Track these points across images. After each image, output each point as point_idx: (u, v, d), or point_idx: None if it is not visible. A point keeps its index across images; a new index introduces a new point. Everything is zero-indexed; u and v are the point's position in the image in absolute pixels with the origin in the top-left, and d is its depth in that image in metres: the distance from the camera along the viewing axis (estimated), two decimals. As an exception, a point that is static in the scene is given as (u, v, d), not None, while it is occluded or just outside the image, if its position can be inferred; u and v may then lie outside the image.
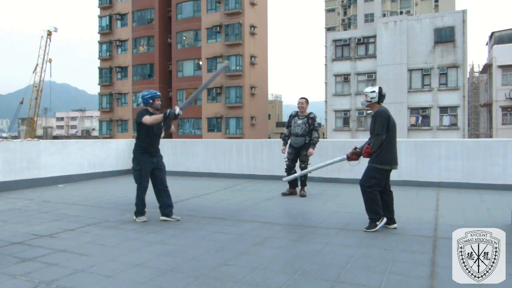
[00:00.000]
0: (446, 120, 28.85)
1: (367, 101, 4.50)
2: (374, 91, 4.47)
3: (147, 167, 4.85)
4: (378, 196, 4.41)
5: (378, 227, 4.36)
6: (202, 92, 38.29)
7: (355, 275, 3.03)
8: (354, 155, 4.67)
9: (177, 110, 4.58)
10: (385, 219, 4.41)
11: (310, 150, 6.60)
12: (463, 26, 28.31)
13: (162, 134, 4.99)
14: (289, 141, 6.78)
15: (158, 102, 4.87)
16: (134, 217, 4.97)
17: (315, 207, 5.87)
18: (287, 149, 6.78)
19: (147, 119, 4.64)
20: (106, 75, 43.68)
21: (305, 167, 6.70)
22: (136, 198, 4.93)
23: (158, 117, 4.63)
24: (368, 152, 4.44)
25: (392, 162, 4.43)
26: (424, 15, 32.18)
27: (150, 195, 4.99)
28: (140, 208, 4.94)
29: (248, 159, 9.46)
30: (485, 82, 36.34)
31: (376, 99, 4.46)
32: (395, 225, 4.53)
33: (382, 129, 4.31)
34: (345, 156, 4.77)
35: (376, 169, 4.37)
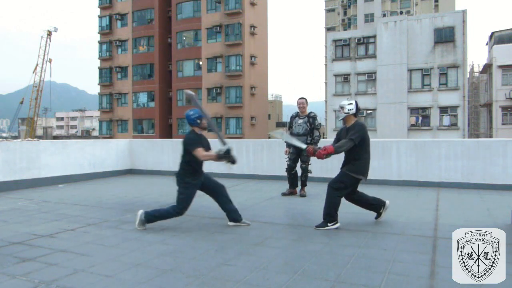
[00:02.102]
0: (446, 120, 28.85)
1: (345, 113, 4.59)
2: (351, 103, 4.60)
3: (194, 191, 4.58)
4: (339, 201, 4.52)
5: (328, 228, 4.46)
6: (202, 93, 38.33)
7: (355, 275, 3.03)
8: (311, 148, 4.59)
9: (226, 146, 4.51)
10: (338, 224, 4.52)
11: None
12: (463, 26, 28.31)
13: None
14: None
15: (204, 121, 4.59)
16: (138, 224, 4.52)
17: (315, 207, 5.86)
18: (289, 150, 6.79)
19: (202, 154, 4.41)
20: (106, 75, 43.68)
21: (306, 168, 6.71)
22: (163, 214, 4.52)
23: (212, 156, 4.46)
24: (329, 152, 4.39)
25: (365, 172, 4.58)
26: (424, 15, 32.18)
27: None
28: (153, 221, 4.56)
29: (248, 159, 9.46)
30: (485, 82, 36.34)
31: (354, 111, 4.59)
32: (387, 203, 4.79)
33: (357, 138, 4.41)
34: (305, 146, 4.77)
35: (350, 176, 4.50)
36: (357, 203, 4.78)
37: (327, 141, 8.96)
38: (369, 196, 4.77)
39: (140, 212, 4.54)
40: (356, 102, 4.65)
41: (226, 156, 4.49)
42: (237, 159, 4.63)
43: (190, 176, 4.53)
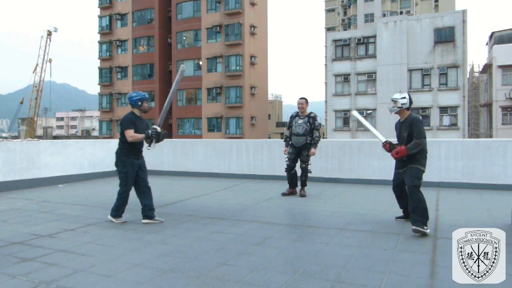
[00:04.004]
0: (446, 120, 28.85)
1: (398, 107, 4.51)
2: (405, 97, 4.50)
3: (132, 170, 4.85)
4: (423, 197, 4.33)
5: (424, 231, 4.13)
6: (202, 92, 38.37)
7: (355, 275, 3.03)
8: (388, 145, 4.67)
9: (158, 128, 4.78)
10: (428, 229, 4.24)
11: (312, 150, 6.61)
12: (463, 26, 28.31)
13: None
14: (290, 142, 6.79)
15: (146, 105, 4.89)
16: (112, 218, 4.91)
17: (315, 207, 5.87)
18: (288, 150, 6.79)
19: (130, 134, 4.71)
20: (106, 75, 43.67)
21: (306, 168, 6.71)
22: (118, 201, 4.87)
23: (140, 137, 4.73)
24: (402, 152, 4.39)
25: (426, 163, 4.50)
26: (424, 15, 32.16)
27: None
28: (121, 211, 4.90)
29: (248, 159, 9.46)
30: (485, 82, 36.34)
31: (408, 105, 4.50)
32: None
33: (423, 133, 4.37)
34: (384, 140, 4.76)
35: (421, 171, 4.41)
36: (401, 196, 4.71)
37: (327, 141, 8.98)
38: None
39: (109, 217, 4.94)
40: (409, 95, 4.55)
41: (154, 136, 4.74)
42: (162, 137, 4.85)
43: (128, 155, 4.81)
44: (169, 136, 39.55)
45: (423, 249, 3.70)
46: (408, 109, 4.54)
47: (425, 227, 4.16)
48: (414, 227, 4.16)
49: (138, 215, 5.28)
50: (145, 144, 4.90)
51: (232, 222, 4.87)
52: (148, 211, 4.87)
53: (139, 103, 4.84)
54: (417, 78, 29.59)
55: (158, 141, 4.84)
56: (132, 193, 4.97)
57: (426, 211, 4.24)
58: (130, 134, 4.71)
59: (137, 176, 4.92)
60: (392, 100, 4.57)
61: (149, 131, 4.74)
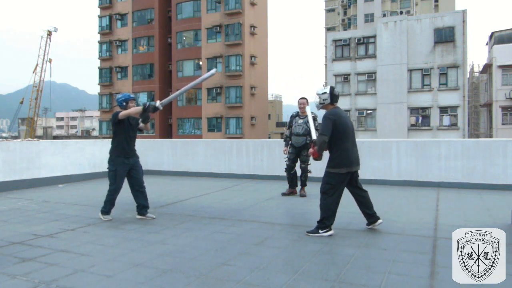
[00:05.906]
0: (446, 120, 28.85)
1: (320, 103, 4.33)
2: (325, 93, 4.28)
3: (122, 169, 4.96)
4: (331, 204, 4.21)
5: (320, 235, 4.16)
6: (202, 92, 38.32)
7: (355, 275, 3.03)
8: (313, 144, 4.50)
9: (157, 103, 4.81)
10: (331, 232, 4.20)
11: (311, 150, 6.59)
12: (463, 26, 28.31)
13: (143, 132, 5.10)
14: (290, 142, 6.79)
15: (132, 105, 5.02)
16: (100, 215, 5.06)
17: (315, 207, 5.83)
18: (288, 150, 6.79)
19: (123, 113, 4.83)
20: (106, 75, 43.69)
21: (306, 168, 6.71)
22: (106, 197, 5.02)
23: (136, 109, 4.83)
24: (314, 154, 4.34)
25: (346, 163, 4.19)
26: (424, 15, 32.17)
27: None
28: (108, 208, 5.03)
29: (248, 159, 9.46)
30: (485, 82, 36.35)
31: (329, 100, 4.28)
32: (379, 221, 4.39)
33: (326, 130, 4.13)
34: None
35: (330, 173, 4.23)
36: (357, 201, 4.47)
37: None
38: (371, 204, 4.43)
39: (99, 214, 5.11)
40: (331, 89, 4.28)
41: (150, 109, 4.76)
42: (147, 125, 5.03)
43: (116, 153, 4.95)
44: (169, 136, 39.57)
45: (423, 249, 3.70)
46: (332, 103, 4.29)
47: (321, 231, 4.17)
48: (308, 233, 4.23)
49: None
50: (140, 124, 5.05)
51: (232, 222, 4.87)
52: (141, 209, 5.10)
53: (124, 104, 4.99)
54: (417, 78, 29.59)
55: (147, 113, 4.82)
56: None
57: (329, 219, 4.17)
58: (122, 113, 4.84)
59: (130, 176, 5.06)
60: (317, 96, 4.35)
61: (148, 102, 4.82)
